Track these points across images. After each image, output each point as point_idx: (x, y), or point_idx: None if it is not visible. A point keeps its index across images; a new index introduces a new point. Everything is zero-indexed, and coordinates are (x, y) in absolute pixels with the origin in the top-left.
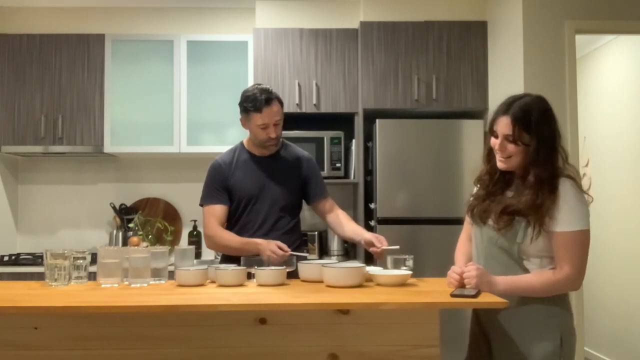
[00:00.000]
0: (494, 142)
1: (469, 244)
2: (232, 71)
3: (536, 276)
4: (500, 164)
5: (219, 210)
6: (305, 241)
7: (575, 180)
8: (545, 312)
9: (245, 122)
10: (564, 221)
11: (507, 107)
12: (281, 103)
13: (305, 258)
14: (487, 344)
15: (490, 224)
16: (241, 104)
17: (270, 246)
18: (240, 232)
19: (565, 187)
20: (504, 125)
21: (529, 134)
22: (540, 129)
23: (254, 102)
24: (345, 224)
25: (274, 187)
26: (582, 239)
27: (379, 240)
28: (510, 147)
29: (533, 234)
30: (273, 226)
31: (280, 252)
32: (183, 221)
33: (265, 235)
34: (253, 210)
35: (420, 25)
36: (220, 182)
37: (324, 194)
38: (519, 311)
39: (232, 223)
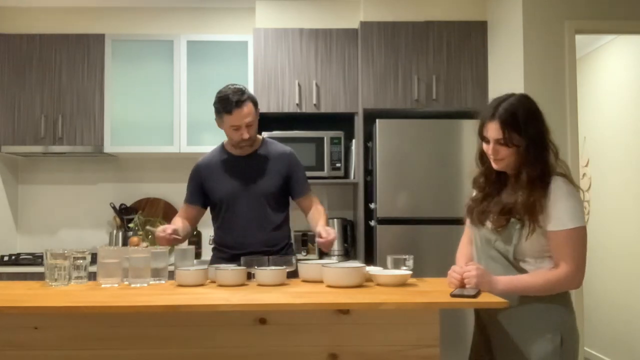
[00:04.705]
0: (487, 148)
1: (470, 247)
2: (232, 71)
3: (537, 275)
4: (495, 165)
5: (188, 208)
6: (305, 240)
7: (567, 176)
8: (545, 311)
9: (219, 123)
10: (557, 220)
11: (493, 110)
12: (255, 104)
13: (290, 260)
14: (488, 349)
15: (488, 226)
16: (214, 105)
17: (160, 228)
18: (225, 233)
19: (557, 185)
20: (493, 130)
21: (519, 135)
22: (528, 128)
23: (225, 103)
24: (317, 220)
25: (254, 186)
26: (577, 236)
27: (327, 232)
28: (503, 150)
29: (528, 231)
30: (258, 225)
31: (161, 235)
32: None
33: (252, 236)
34: (235, 210)
35: (420, 25)
36: (196, 185)
37: (304, 191)
38: (518, 311)
39: (217, 224)
